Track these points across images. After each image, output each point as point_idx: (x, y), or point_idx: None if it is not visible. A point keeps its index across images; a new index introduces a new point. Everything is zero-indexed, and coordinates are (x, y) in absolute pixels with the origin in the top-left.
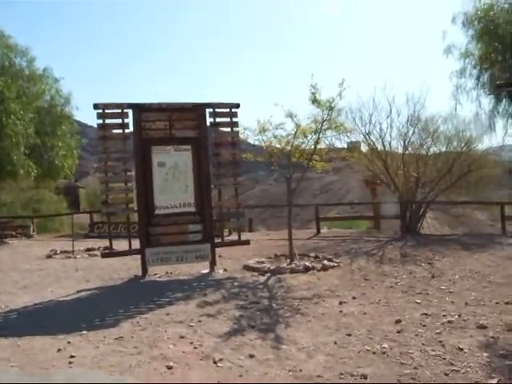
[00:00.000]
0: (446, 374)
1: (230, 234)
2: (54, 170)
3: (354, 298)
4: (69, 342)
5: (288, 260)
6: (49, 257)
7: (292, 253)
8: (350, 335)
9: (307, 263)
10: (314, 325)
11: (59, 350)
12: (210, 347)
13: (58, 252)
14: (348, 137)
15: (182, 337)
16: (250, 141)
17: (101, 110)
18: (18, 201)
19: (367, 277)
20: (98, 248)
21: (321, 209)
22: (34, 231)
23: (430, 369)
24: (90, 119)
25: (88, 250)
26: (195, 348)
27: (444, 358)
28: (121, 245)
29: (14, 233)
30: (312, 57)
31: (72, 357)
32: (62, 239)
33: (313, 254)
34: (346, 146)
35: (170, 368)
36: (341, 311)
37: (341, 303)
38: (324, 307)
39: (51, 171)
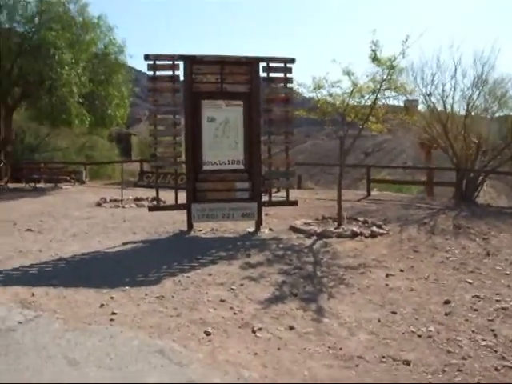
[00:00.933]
0: (497, 370)
1: (278, 191)
2: (107, 119)
3: (401, 270)
4: (111, 298)
5: (335, 223)
6: (98, 205)
7: (340, 216)
8: (395, 313)
9: (355, 228)
10: (358, 298)
11: (102, 305)
12: (249, 314)
13: (108, 200)
14: (406, 96)
15: (222, 300)
16: (305, 96)
17: (152, 62)
18: (73, 146)
19: (417, 248)
20: (147, 198)
21: (372, 168)
22: (86, 177)
23: (479, 361)
24: (144, 66)
25: (136, 199)
26: (235, 314)
27: (495, 351)
28: (168, 196)
29: (67, 178)
30: (373, 12)
31: (113, 314)
32: (113, 187)
33: (361, 219)
34: (402, 104)
35: (208, 334)
36: (387, 285)
37: (387, 276)
38: (370, 279)
39: (104, 120)
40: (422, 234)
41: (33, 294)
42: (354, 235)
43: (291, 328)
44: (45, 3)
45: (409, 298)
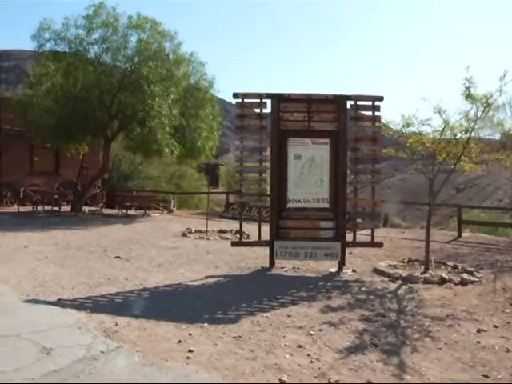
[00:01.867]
0: None
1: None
2: (196, 151)
3: (495, 326)
4: (190, 334)
5: (422, 267)
6: (184, 235)
7: (428, 260)
8: (487, 377)
9: (443, 274)
10: (445, 355)
11: (180, 341)
12: (327, 363)
13: (193, 231)
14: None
15: (299, 346)
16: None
17: (240, 100)
18: (163, 175)
19: None
20: (231, 230)
21: (464, 209)
22: (174, 206)
23: None
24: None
25: (221, 231)
26: (312, 362)
27: None
28: (252, 229)
29: (156, 206)
30: (466, 47)
31: (190, 351)
32: (199, 217)
33: (451, 263)
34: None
35: (282, 383)
36: (478, 342)
37: (479, 331)
38: (458, 333)
39: (193, 151)
40: None
41: (116, 324)
42: (442, 282)
43: (369, 383)
44: (144, 43)
45: (504, 360)
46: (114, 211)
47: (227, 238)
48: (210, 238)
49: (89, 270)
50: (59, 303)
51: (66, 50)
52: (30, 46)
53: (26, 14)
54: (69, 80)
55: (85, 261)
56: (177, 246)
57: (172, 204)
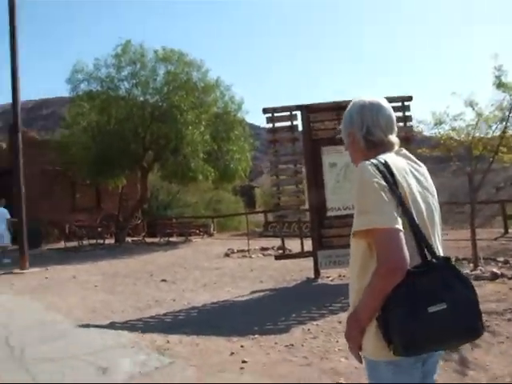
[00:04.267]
0: None
1: None
2: (230, 173)
3: None
4: (241, 346)
5: (471, 265)
6: (226, 255)
7: (476, 257)
8: None
9: (495, 269)
10: (509, 348)
11: (232, 353)
12: None
13: (235, 251)
14: None
15: None
16: (425, 134)
17: (270, 114)
18: (201, 201)
19: None
20: (272, 247)
21: (508, 204)
22: (214, 230)
23: None
24: (261, 120)
25: (262, 249)
26: None
27: None
28: (293, 244)
29: (197, 231)
30: (494, 37)
31: (244, 362)
32: (239, 238)
33: (501, 259)
34: None
35: None
36: None
37: None
38: None
39: (227, 174)
40: None
41: (168, 341)
42: (494, 277)
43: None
44: (172, 74)
45: None
46: (156, 239)
47: (270, 255)
48: (253, 256)
49: (137, 294)
50: (111, 326)
51: (99, 88)
52: (64, 93)
53: (60, 65)
54: (103, 116)
55: (132, 286)
56: (220, 267)
57: (212, 228)
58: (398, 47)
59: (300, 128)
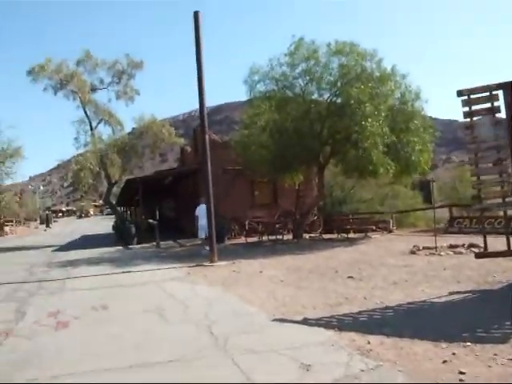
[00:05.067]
0: None
1: None
2: (411, 166)
3: None
4: (453, 354)
5: None
6: (412, 252)
7: None
8: None
9: None
10: None
11: (444, 361)
12: None
13: (421, 248)
14: None
15: None
16: None
17: (465, 97)
18: (376, 197)
19: None
20: (462, 245)
21: None
22: (393, 226)
23: None
24: (436, 112)
25: (451, 246)
26: None
27: None
28: (488, 242)
29: (374, 227)
30: None
31: (461, 373)
32: (420, 234)
33: None
34: None
35: None
36: None
37: None
38: None
39: (408, 167)
40: None
41: (368, 342)
42: None
43: None
44: (345, 67)
45: None
46: (333, 236)
47: (461, 253)
48: (442, 253)
49: (324, 290)
50: (305, 322)
51: (274, 87)
52: (234, 98)
53: (230, 72)
54: (281, 115)
55: (318, 282)
56: (408, 264)
57: (391, 224)
58: None
59: (503, 110)
